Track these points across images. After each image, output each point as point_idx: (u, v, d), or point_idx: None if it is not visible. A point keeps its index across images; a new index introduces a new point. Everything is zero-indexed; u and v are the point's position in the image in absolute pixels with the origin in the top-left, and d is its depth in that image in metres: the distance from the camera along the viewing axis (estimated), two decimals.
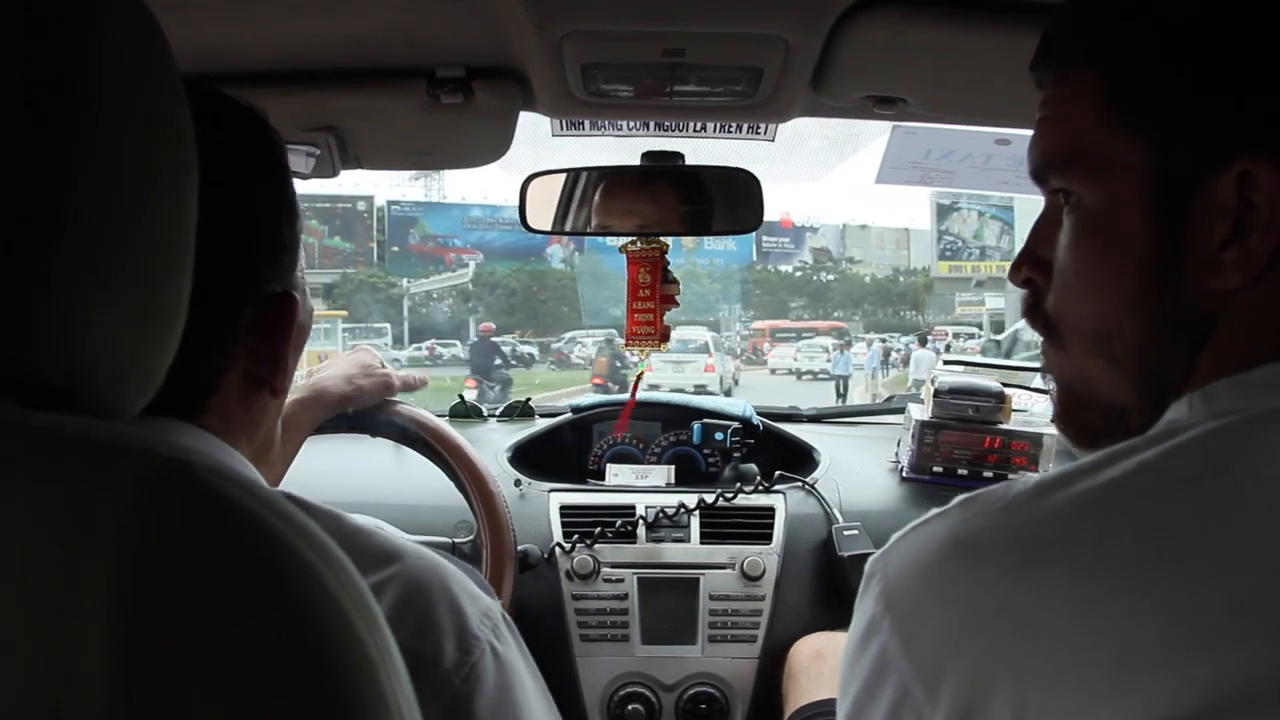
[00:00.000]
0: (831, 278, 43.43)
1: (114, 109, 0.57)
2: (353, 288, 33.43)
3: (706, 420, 2.18)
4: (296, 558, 0.54)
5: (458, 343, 31.51)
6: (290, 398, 1.64)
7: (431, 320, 34.86)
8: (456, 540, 1.76)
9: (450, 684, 0.79)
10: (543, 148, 1.73)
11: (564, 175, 1.74)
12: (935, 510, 0.72)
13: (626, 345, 1.87)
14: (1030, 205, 0.88)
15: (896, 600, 0.70)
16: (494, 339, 20.12)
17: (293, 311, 0.85)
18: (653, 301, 1.81)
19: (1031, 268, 0.82)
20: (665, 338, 1.84)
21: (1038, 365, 2.42)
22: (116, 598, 0.49)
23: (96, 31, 0.57)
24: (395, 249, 35.10)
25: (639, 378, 2.04)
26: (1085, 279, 0.77)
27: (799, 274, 42.20)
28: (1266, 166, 0.67)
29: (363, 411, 1.65)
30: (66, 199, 0.54)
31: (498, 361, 17.83)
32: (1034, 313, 0.83)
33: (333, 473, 1.94)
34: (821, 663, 1.63)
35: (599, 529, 1.88)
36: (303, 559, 0.54)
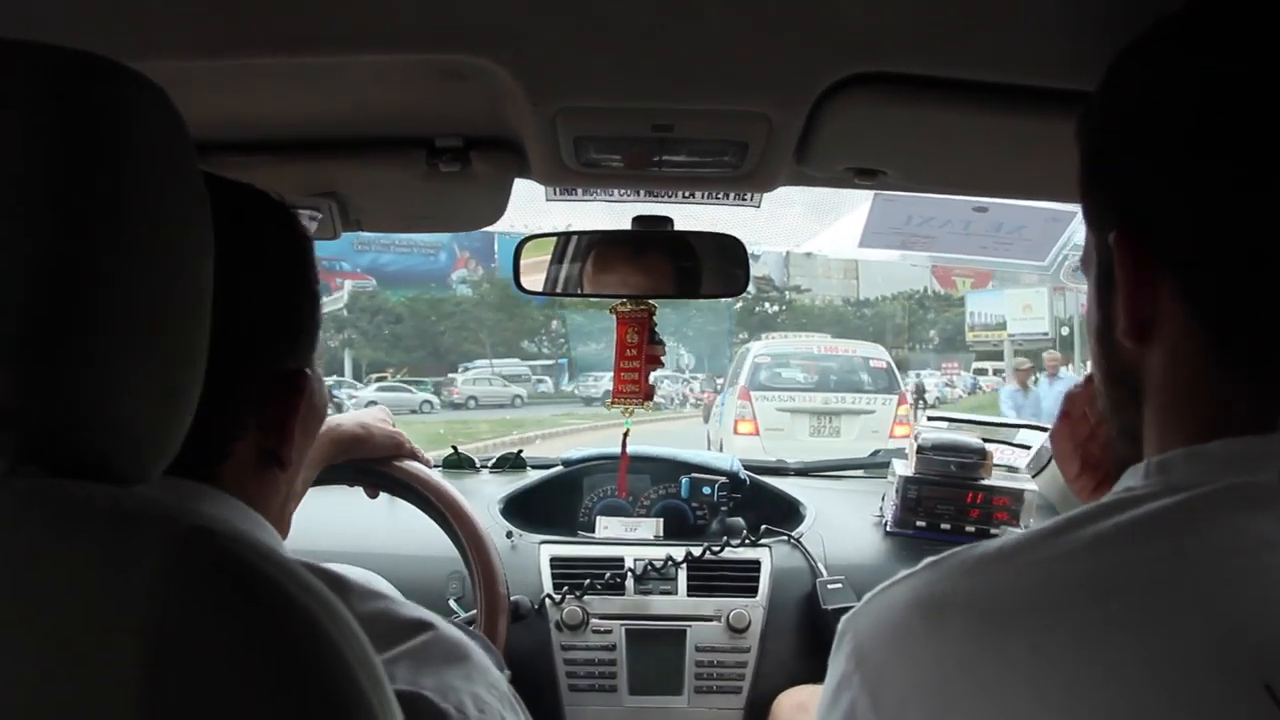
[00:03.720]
0: (776, 308, 40.55)
1: (138, 196, 0.62)
2: None
3: (695, 474, 2.22)
4: (314, 625, 0.58)
5: (331, 377, 28.02)
6: None
7: None
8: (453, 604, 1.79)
9: None
10: (537, 211, 1.77)
11: (556, 239, 1.79)
12: (904, 572, 0.76)
13: (612, 404, 1.91)
14: None
15: (866, 658, 0.74)
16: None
17: (303, 386, 0.90)
18: (639, 361, 1.86)
19: None
20: (649, 396, 1.89)
21: (1018, 422, 2.46)
22: (146, 664, 0.52)
23: (123, 128, 0.62)
24: None
25: (625, 435, 2.08)
26: (1091, 351, 0.86)
27: (740, 304, 37.70)
28: (1120, 234, 0.74)
29: (364, 464, 1.68)
30: (98, 284, 0.59)
31: None
32: None
33: (326, 523, 1.96)
34: (805, 715, 1.66)
35: (588, 580, 1.91)
36: (320, 626, 0.58)
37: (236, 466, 0.87)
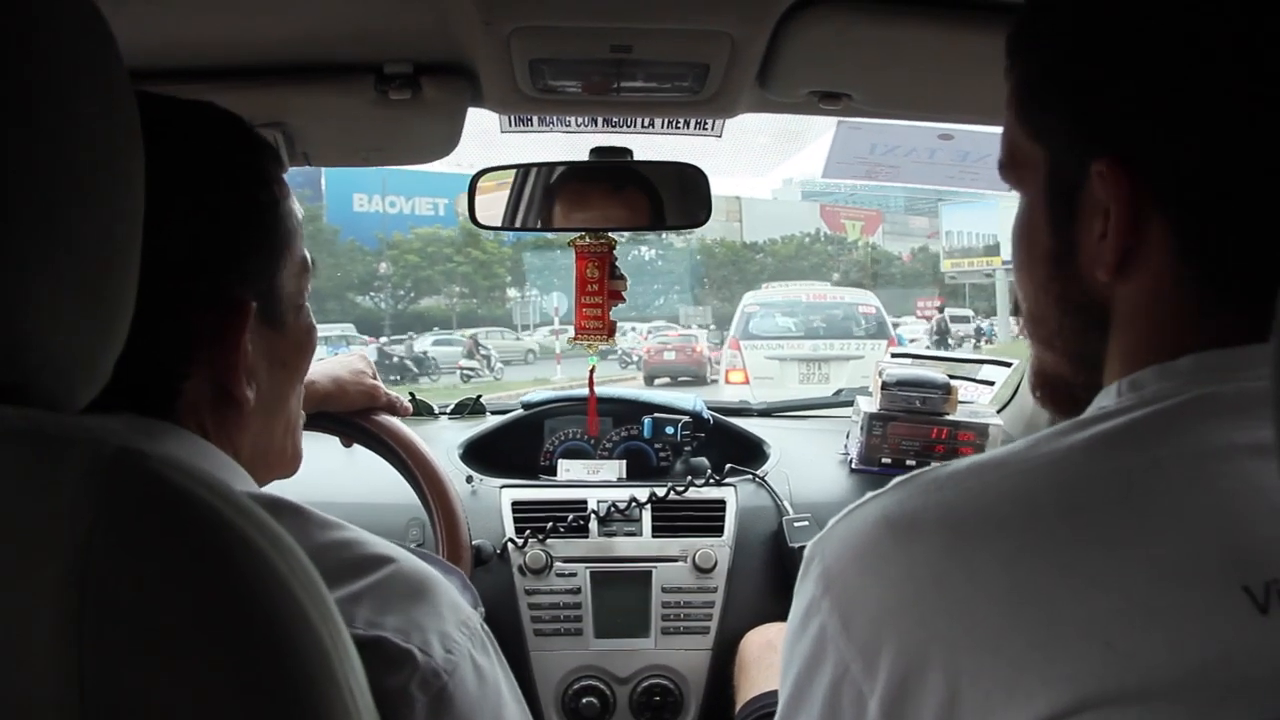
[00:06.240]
0: (654, 253, 37.52)
1: (53, 102, 0.57)
2: None
3: (657, 415, 2.19)
4: (247, 545, 0.54)
5: None
6: None
7: None
8: (413, 544, 1.76)
9: (440, 678, 0.78)
10: (492, 144, 1.72)
11: (513, 171, 1.74)
12: (872, 492, 0.75)
13: (575, 340, 1.87)
14: None
15: (835, 580, 0.72)
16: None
17: (243, 317, 0.84)
18: (601, 296, 1.82)
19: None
20: (612, 332, 1.86)
21: (982, 358, 2.45)
22: (70, 583, 0.49)
23: (33, 24, 0.56)
24: None
25: (591, 371, 2.05)
26: (1019, 270, 0.83)
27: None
28: (1113, 166, 0.70)
29: (335, 415, 1.63)
30: (1, 191, 0.54)
31: None
32: (1014, 297, 0.88)
33: None
34: (773, 653, 1.65)
35: (551, 524, 1.89)
36: (254, 546, 0.55)
37: (194, 403, 0.84)
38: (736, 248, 39.92)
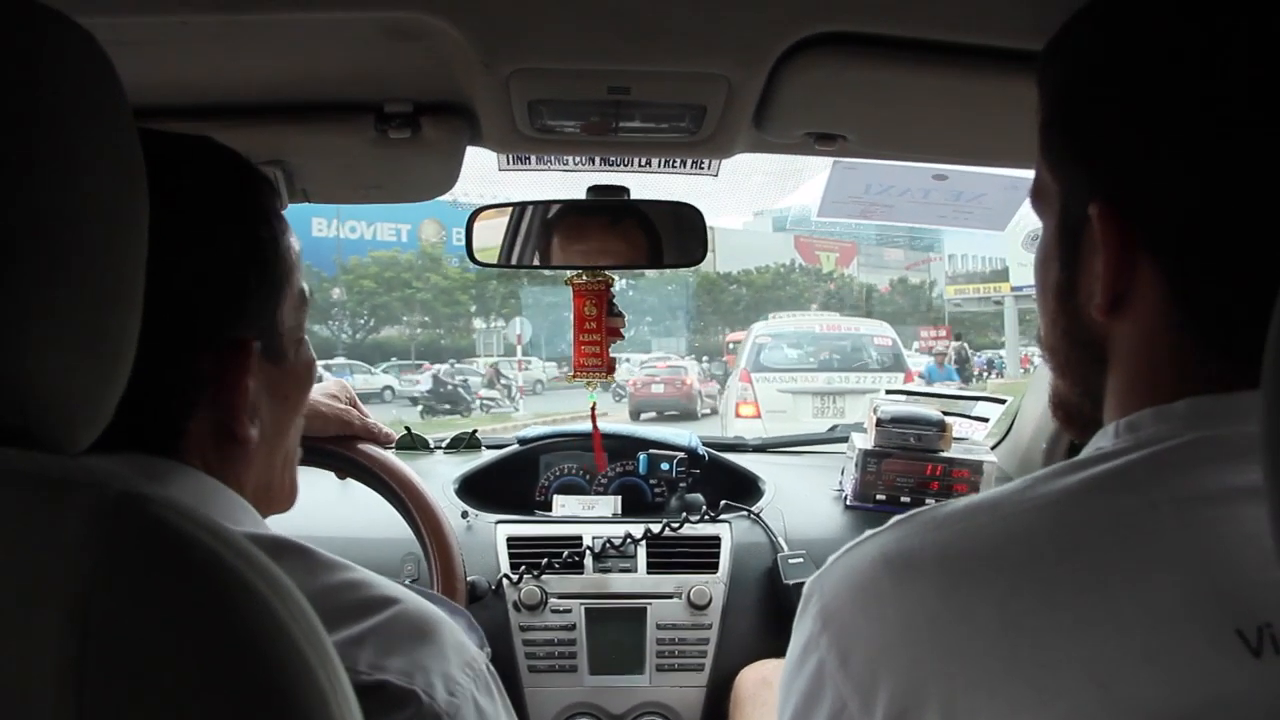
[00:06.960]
0: (624, 283, 36.48)
1: (58, 142, 0.57)
2: None
3: (653, 451, 2.20)
4: (247, 590, 0.55)
5: None
6: None
7: None
8: (408, 579, 1.75)
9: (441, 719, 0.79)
10: (490, 181, 1.74)
11: (510, 209, 1.76)
12: (871, 530, 0.76)
13: (574, 377, 1.88)
14: None
15: (833, 617, 0.73)
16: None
17: (246, 357, 0.85)
18: (599, 334, 1.83)
19: None
20: (611, 369, 1.87)
21: (976, 394, 2.46)
22: (69, 628, 0.49)
23: (37, 64, 0.57)
24: None
25: (594, 409, 2.05)
26: (1038, 299, 0.85)
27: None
28: (1105, 209, 0.72)
29: (319, 445, 1.63)
30: (6, 231, 0.55)
31: None
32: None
33: None
34: (768, 690, 1.65)
35: (546, 560, 1.89)
36: (254, 591, 0.55)
37: (199, 441, 0.84)
38: (712, 278, 39.78)
